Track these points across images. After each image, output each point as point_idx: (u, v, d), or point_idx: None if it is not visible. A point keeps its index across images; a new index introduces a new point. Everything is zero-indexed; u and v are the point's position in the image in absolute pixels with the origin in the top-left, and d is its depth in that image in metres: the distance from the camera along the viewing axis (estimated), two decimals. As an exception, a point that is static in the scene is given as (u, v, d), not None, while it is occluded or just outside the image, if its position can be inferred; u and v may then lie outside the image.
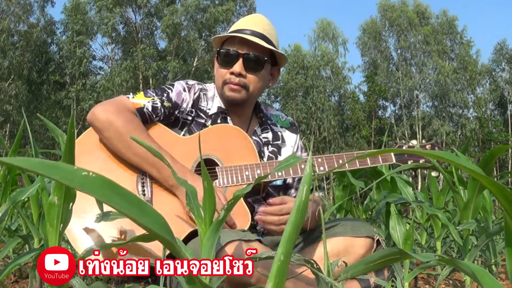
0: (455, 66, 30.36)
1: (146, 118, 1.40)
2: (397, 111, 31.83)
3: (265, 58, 1.48)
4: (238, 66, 1.45)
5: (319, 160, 1.43)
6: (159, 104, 1.42)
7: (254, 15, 1.58)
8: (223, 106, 1.52)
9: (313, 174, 1.15)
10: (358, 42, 31.94)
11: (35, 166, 0.46)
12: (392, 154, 1.47)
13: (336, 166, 1.43)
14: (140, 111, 1.39)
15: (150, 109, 1.40)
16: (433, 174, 1.53)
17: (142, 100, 1.40)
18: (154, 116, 1.41)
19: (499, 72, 32.16)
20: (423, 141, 1.57)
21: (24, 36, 24.01)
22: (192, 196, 0.98)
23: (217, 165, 1.38)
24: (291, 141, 1.62)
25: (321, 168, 1.42)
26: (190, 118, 1.49)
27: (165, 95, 1.45)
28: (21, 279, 1.90)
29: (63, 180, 0.47)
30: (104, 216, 1.13)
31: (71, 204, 0.90)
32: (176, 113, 1.46)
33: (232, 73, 1.45)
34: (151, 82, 24.65)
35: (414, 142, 1.52)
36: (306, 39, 44.16)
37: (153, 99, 1.42)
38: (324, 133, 28.54)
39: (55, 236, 0.89)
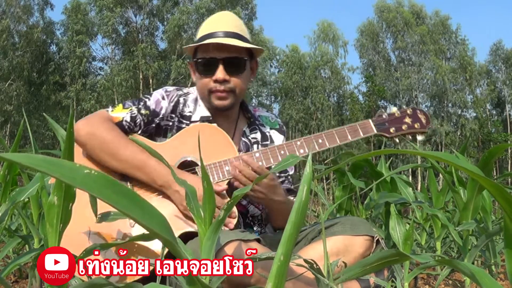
0: (453, 65, 30.41)
1: (125, 130, 1.39)
2: (396, 111, 31.81)
3: (245, 58, 1.44)
4: (220, 73, 1.40)
5: (298, 143, 1.40)
6: (136, 113, 1.40)
7: (220, 14, 1.53)
8: (207, 114, 1.48)
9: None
10: (356, 44, 31.99)
11: (36, 162, 0.45)
12: (372, 125, 1.43)
13: (316, 146, 1.40)
14: (120, 125, 1.38)
15: (128, 119, 1.39)
16: (419, 138, 1.48)
17: (121, 113, 1.39)
18: (133, 125, 1.40)
19: (495, 73, 32.24)
20: (404, 107, 1.53)
21: (25, 37, 24.01)
22: (192, 196, 0.98)
23: (197, 164, 1.37)
24: (278, 142, 1.59)
25: (301, 151, 1.39)
26: (171, 123, 1.46)
27: (141, 103, 1.43)
28: (21, 279, 1.90)
29: (64, 178, 0.46)
30: (104, 216, 1.13)
31: (71, 204, 0.90)
32: (157, 120, 1.44)
33: (216, 81, 1.41)
34: (151, 82, 24.65)
35: (393, 108, 1.47)
36: (306, 40, 44.17)
37: (131, 109, 1.40)
38: (324, 133, 28.49)
39: (55, 236, 0.89)
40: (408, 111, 1.47)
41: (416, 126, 1.45)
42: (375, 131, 1.43)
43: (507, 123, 30.95)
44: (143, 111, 1.42)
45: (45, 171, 0.45)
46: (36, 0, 24.80)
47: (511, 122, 31.01)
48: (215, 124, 1.44)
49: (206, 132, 1.41)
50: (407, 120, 1.45)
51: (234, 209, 1.32)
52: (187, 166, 1.37)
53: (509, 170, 27.94)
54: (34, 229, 1.71)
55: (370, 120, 1.45)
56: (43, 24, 25.59)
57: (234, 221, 1.31)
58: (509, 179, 21.44)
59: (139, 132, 1.43)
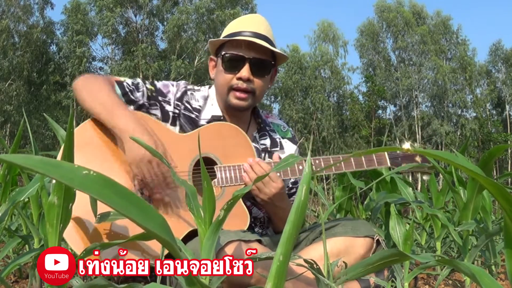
0: (454, 66, 30.41)
1: (126, 91, 1.41)
2: (396, 112, 31.87)
3: (272, 62, 1.45)
4: (246, 71, 1.40)
5: (317, 161, 1.42)
6: (140, 83, 1.44)
7: (252, 16, 1.54)
8: (218, 114, 1.49)
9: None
10: (356, 44, 31.96)
11: (35, 164, 0.45)
12: (387, 157, 1.48)
13: (333, 168, 1.44)
14: (120, 84, 1.41)
15: (130, 83, 1.42)
16: (425, 177, 1.58)
17: (124, 78, 1.44)
18: (134, 88, 1.42)
19: (495, 73, 32.24)
20: (420, 142, 1.58)
21: (25, 37, 24.01)
22: (192, 196, 0.98)
23: (215, 163, 1.37)
24: (291, 151, 1.59)
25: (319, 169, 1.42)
26: (177, 111, 1.46)
27: (149, 80, 1.48)
28: (21, 279, 1.90)
29: (63, 179, 0.46)
30: (103, 216, 1.13)
31: (70, 204, 0.90)
32: (160, 99, 1.45)
33: (239, 78, 1.41)
34: (151, 82, 24.62)
35: (406, 145, 1.54)
36: (306, 40, 44.20)
37: (135, 79, 1.46)
38: (323, 133, 28.56)
39: (55, 236, 0.89)
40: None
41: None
42: (389, 165, 1.50)
43: (507, 123, 30.93)
44: (148, 86, 1.45)
45: (43, 172, 0.45)
46: (36, 0, 24.82)
47: (511, 122, 31.01)
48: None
49: (228, 132, 1.42)
50: (418, 159, 1.53)
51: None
52: (206, 163, 1.37)
53: (509, 170, 27.94)
54: (34, 229, 1.71)
55: (385, 153, 1.51)
56: (43, 24, 25.56)
57: (246, 225, 1.34)
58: (509, 179, 21.44)
59: (140, 102, 1.42)
